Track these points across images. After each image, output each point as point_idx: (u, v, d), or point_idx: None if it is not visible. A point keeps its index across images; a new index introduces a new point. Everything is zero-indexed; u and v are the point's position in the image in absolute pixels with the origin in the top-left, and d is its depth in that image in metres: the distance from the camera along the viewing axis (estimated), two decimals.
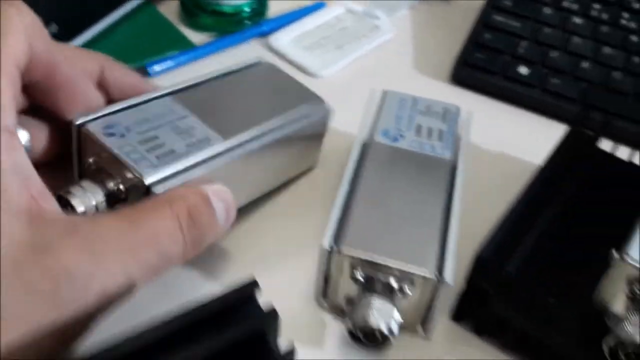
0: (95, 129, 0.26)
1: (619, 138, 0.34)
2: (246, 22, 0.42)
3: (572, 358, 0.26)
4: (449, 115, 0.33)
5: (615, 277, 0.25)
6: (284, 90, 0.32)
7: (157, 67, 0.38)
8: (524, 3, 0.45)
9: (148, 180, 0.25)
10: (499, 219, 0.28)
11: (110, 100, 0.29)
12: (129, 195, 0.26)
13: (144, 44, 0.39)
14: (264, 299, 0.21)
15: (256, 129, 0.29)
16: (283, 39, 0.42)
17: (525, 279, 0.25)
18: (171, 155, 0.26)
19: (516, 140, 0.38)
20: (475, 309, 0.28)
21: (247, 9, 0.41)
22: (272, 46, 0.41)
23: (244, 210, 0.31)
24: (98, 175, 0.26)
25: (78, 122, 0.26)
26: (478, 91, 0.41)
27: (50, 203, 0.22)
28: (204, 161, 0.27)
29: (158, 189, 0.25)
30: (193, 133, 0.27)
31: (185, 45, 0.40)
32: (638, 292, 0.24)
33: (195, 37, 0.41)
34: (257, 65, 0.33)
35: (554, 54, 0.42)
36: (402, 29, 0.45)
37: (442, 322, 0.29)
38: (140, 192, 0.25)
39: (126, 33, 0.40)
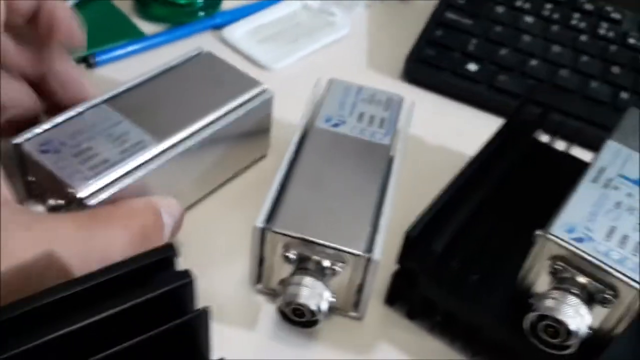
0: (30, 147, 0.27)
1: (563, 134, 0.35)
2: (200, 13, 0.42)
3: (496, 336, 0.26)
4: (392, 104, 0.34)
5: (539, 255, 0.25)
6: (223, 81, 0.32)
7: (104, 57, 0.38)
8: (477, 2, 0.46)
9: (81, 194, 0.25)
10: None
11: (49, 95, 0.29)
12: (70, 209, 0.26)
13: (94, 33, 0.39)
14: (203, 284, 0.21)
15: (194, 125, 0.29)
16: (236, 31, 0.42)
17: (450, 257, 0.26)
18: (104, 165, 0.26)
19: (460, 134, 0.39)
20: (406, 291, 0.28)
21: (200, 0, 0.42)
22: (225, 39, 0.42)
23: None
24: (39, 193, 0.27)
25: (15, 142, 0.27)
26: (428, 87, 0.42)
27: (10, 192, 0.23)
28: (139, 166, 0.27)
29: (92, 202, 0.25)
30: (127, 138, 0.28)
31: (135, 36, 0.40)
32: (560, 268, 0.25)
33: (148, 27, 0.42)
34: (197, 57, 0.33)
35: (503, 51, 0.43)
36: (357, 25, 0.46)
37: (376, 306, 0.29)
38: (77, 205, 0.25)
39: None
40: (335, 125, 0.32)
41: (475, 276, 0.25)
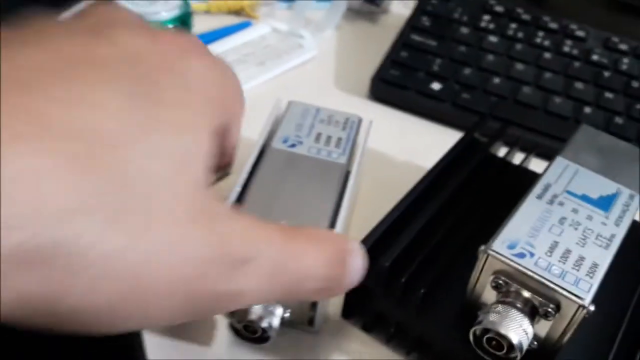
0: None
1: (524, 149, 0.36)
2: None
3: (446, 348, 0.26)
4: (350, 124, 0.34)
5: (483, 270, 0.26)
6: None
7: None
8: (442, 23, 0.47)
9: None
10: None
11: None
12: None
13: None
14: None
15: None
16: None
17: (399, 271, 0.26)
18: None
19: (425, 151, 0.39)
20: (360, 305, 0.28)
21: (170, 26, 0.43)
22: None
23: None
24: None
25: None
26: (394, 106, 0.43)
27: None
28: None
29: None
30: None
31: None
32: (501, 283, 0.25)
33: None
34: None
35: (467, 70, 0.44)
36: (326, 47, 0.47)
37: (333, 320, 0.29)
38: None
39: None
40: (292, 145, 0.33)
41: (423, 289, 0.26)
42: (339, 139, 0.33)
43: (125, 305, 0.16)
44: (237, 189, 0.30)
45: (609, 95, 0.43)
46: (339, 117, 0.35)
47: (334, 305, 0.29)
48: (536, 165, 0.36)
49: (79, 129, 0.15)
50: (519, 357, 0.24)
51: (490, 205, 0.31)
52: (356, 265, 0.22)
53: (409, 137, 0.41)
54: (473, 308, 0.26)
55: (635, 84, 0.44)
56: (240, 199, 0.29)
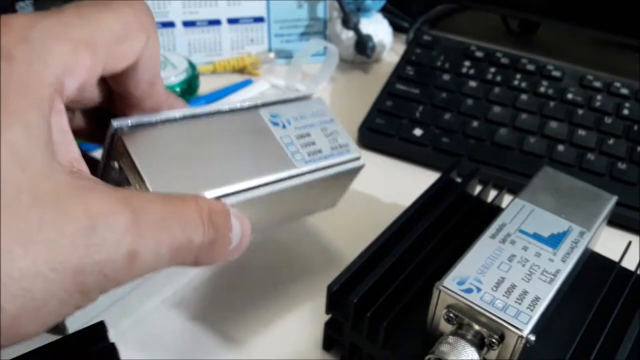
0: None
1: (497, 186, 0.39)
2: None
3: None
4: (342, 152, 0.33)
5: (437, 304, 0.29)
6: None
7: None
8: (425, 71, 0.51)
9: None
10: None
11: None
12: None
13: None
14: None
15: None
16: None
17: (366, 306, 0.30)
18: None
19: (408, 192, 0.43)
20: (336, 337, 0.32)
21: (177, 89, 0.48)
22: None
23: None
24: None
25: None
26: (380, 152, 0.47)
27: (86, 170, 0.23)
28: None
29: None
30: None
31: None
32: (452, 316, 0.29)
33: None
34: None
35: (447, 115, 0.48)
36: None
37: (315, 351, 0.33)
38: None
39: None
40: (275, 124, 0.31)
41: (385, 323, 0.29)
42: (318, 151, 0.31)
43: (8, 316, 0.17)
44: (193, 110, 0.28)
45: (581, 132, 0.46)
46: (341, 139, 0.33)
47: (315, 338, 0.33)
48: (509, 201, 0.39)
49: None
50: None
51: (460, 241, 0.35)
52: (235, 219, 0.24)
53: (394, 180, 0.45)
54: (433, 339, 0.30)
55: (608, 120, 0.47)
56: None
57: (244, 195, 0.27)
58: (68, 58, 0.20)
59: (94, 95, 0.26)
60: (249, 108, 0.30)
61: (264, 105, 0.31)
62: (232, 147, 0.28)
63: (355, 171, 0.33)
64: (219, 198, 0.26)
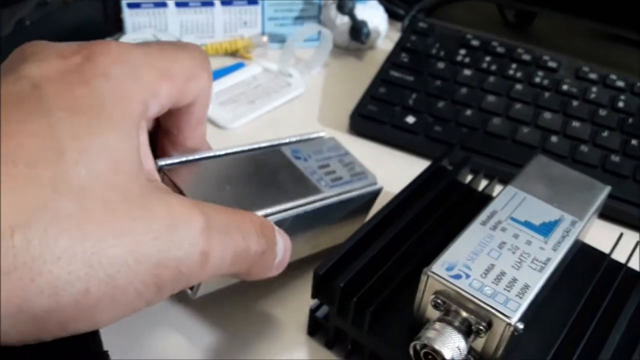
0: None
1: (489, 175, 0.39)
2: None
3: None
4: (360, 178, 0.35)
5: (425, 290, 0.29)
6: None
7: None
8: (420, 58, 0.50)
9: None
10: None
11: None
12: None
13: None
14: None
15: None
16: None
17: (352, 292, 0.29)
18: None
19: (399, 180, 0.42)
20: (322, 323, 0.31)
21: None
22: None
23: None
24: None
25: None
26: (372, 139, 0.46)
27: (159, 180, 0.26)
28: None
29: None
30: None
31: None
32: (440, 302, 0.28)
33: None
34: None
35: (440, 104, 0.47)
36: (313, 84, 0.51)
37: (300, 337, 0.33)
38: None
39: None
40: (297, 158, 0.34)
41: (371, 308, 0.29)
42: (339, 178, 0.34)
43: (91, 299, 0.18)
44: (223, 150, 0.31)
45: (575, 124, 0.46)
46: (358, 168, 0.36)
47: (299, 323, 0.33)
48: (499, 191, 0.38)
49: (8, 153, 0.18)
50: None
51: (449, 229, 0.34)
52: (279, 235, 0.27)
53: (385, 168, 0.44)
54: (419, 325, 0.29)
55: (602, 112, 0.46)
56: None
57: (281, 215, 0.29)
58: (155, 84, 0.23)
59: (149, 125, 0.28)
60: (271, 146, 0.34)
61: (284, 144, 0.34)
62: (263, 178, 0.31)
63: (374, 195, 0.36)
64: None
